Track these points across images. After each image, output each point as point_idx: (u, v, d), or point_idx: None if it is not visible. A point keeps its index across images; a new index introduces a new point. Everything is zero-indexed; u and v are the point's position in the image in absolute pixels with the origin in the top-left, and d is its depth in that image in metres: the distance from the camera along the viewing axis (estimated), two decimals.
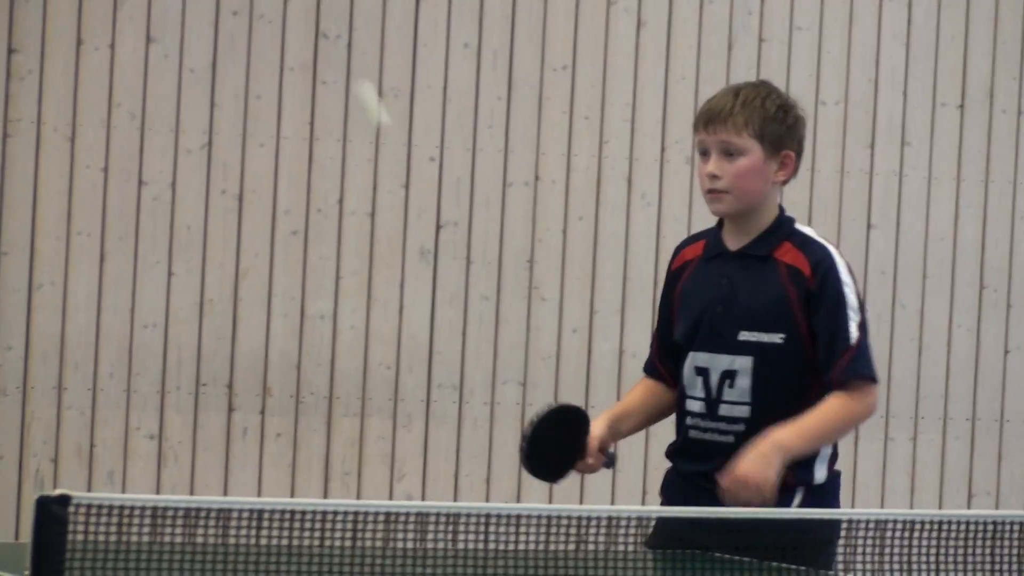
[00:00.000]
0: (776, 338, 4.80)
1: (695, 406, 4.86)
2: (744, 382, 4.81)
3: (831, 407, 4.70)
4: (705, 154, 4.81)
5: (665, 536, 4.66)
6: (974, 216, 8.39)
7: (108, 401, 7.58)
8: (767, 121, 4.77)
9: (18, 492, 8.01)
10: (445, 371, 7.89)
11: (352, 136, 7.76)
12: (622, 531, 4.43)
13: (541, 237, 7.95)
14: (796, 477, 4.66)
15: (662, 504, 4.94)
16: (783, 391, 4.80)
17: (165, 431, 7.62)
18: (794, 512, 4.65)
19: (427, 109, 7.83)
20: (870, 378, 4.71)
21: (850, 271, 4.83)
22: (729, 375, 4.86)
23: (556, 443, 4.85)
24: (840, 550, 4.52)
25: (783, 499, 4.65)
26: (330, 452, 7.82)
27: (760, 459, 4.60)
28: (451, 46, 7.81)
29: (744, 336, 4.83)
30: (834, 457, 4.83)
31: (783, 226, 4.87)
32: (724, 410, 4.83)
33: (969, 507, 8.20)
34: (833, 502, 4.85)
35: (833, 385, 4.70)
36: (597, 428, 4.89)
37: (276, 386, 7.74)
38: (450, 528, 4.27)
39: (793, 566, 4.46)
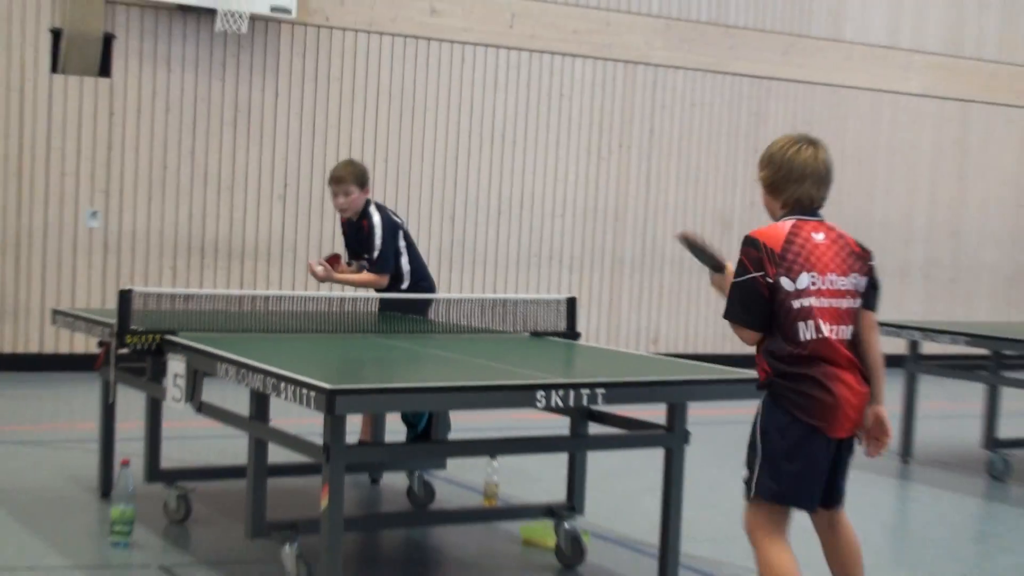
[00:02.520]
0: (364, 258, 7.63)
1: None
2: (363, 273, 7.60)
3: (364, 279, 7.52)
4: (336, 194, 7.45)
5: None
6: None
7: None
8: (357, 178, 7.53)
9: None
10: None
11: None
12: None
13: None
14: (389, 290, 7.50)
15: None
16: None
17: None
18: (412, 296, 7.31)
19: None
20: (382, 271, 7.41)
21: (384, 226, 7.44)
22: (362, 268, 7.62)
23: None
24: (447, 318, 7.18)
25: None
26: None
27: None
28: None
29: (364, 255, 7.64)
30: (407, 282, 7.56)
31: (365, 208, 7.54)
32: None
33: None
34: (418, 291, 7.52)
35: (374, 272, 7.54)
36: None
37: None
38: None
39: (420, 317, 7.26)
